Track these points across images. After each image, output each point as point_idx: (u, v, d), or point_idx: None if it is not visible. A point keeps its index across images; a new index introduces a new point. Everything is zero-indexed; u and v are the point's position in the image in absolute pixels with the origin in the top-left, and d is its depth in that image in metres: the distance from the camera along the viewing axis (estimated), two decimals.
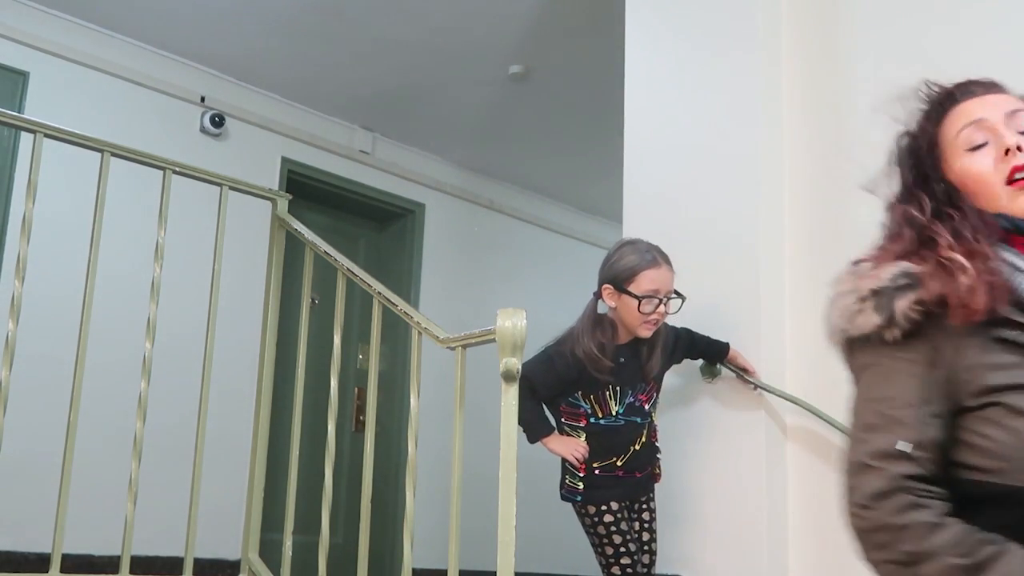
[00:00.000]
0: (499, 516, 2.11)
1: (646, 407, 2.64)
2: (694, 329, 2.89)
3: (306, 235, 3.06)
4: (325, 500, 2.76)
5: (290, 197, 3.30)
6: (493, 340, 2.20)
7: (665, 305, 2.56)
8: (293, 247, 3.25)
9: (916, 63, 2.90)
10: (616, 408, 2.59)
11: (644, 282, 2.53)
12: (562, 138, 5.45)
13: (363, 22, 4.41)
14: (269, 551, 3.14)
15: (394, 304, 2.68)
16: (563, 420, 2.64)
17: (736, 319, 2.93)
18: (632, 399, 2.61)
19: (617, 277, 2.56)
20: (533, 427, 2.59)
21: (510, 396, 2.17)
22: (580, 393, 2.58)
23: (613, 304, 2.58)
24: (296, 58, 4.75)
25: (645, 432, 2.64)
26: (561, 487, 2.64)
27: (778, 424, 2.93)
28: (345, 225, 5.53)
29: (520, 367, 2.17)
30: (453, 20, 4.37)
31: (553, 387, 2.59)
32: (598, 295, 2.62)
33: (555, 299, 6.21)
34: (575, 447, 2.55)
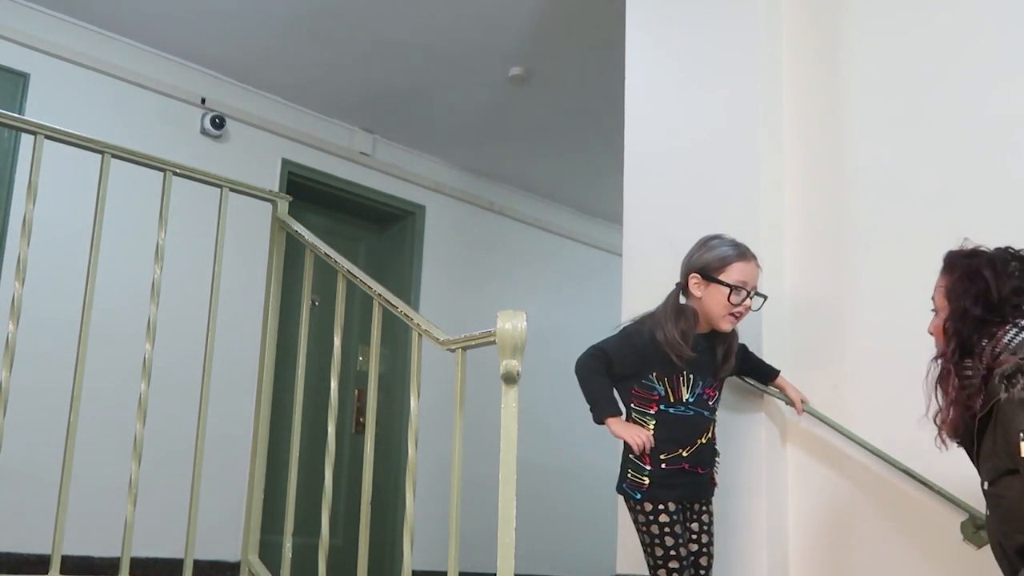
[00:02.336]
0: (499, 518, 2.11)
1: (711, 403, 2.64)
2: None
3: (306, 237, 3.06)
4: (325, 502, 2.75)
5: (290, 199, 3.30)
6: (493, 342, 2.19)
7: (750, 299, 2.59)
8: (293, 249, 3.25)
9: (915, 63, 2.91)
10: (687, 396, 2.57)
11: (734, 272, 2.56)
12: (562, 140, 5.46)
13: (363, 24, 4.42)
14: (269, 553, 3.13)
15: (394, 306, 2.68)
16: (633, 405, 2.61)
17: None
18: (701, 390, 2.60)
19: (707, 266, 2.58)
20: (600, 404, 2.54)
21: (510, 398, 2.17)
22: (655, 374, 2.56)
23: (699, 293, 2.59)
24: (296, 60, 4.75)
25: (711, 428, 2.63)
26: (622, 480, 2.59)
27: (778, 425, 2.93)
28: (345, 227, 5.54)
29: (519, 369, 2.17)
30: (453, 22, 4.37)
31: (629, 363, 2.57)
32: (682, 285, 2.63)
33: (555, 300, 6.22)
34: (639, 433, 2.51)
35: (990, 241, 2.58)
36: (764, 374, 2.86)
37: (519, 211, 6.18)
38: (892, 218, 2.84)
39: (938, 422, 2.10)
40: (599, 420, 2.53)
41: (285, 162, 5.09)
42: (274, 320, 3.20)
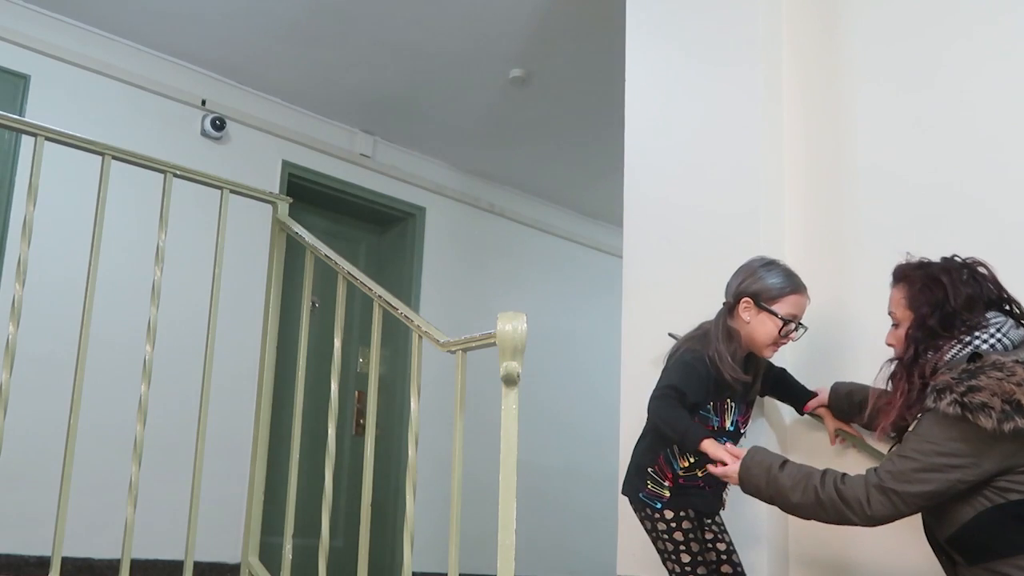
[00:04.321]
0: (499, 520, 2.11)
1: (743, 429, 2.62)
2: (682, 333, 2.90)
3: (306, 238, 3.06)
4: (325, 503, 2.75)
5: (291, 200, 3.31)
6: (493, 344, 2.19)
7: (795, 331, 2.56)
8: (293, 250, 3.25)
9: (915, 69, 2.91)
10: (728, 423, 2.56)
11: (787, 305, 2.52)
12: (562, 142, 5.46)
13: (364, 26, 4.42)
14: (269, 554, 3.13)
15: (394, 307, 2.68)
16: None
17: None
18: (736, 417, 2.58)
19: (761, 294, 2.53)
20: (691, 433, 2.43)
21: (510, 400, 2.17)
22: (712, 404, 2.54)
23: (747, 318, 2.54)
24: (297, 61, 4.75)
25: None
26: (638, 491, 2.55)
27: (778, 426, 2.93)
28: (346, 228, 5.54)
29: (519, 371, 2.16)
30: (454, 24, 4.37)
31: (698, 391, 2.51)
32: (731, 306, 2.57)
33: (556, 302, 6.22)
34: (727, 450, 2.40)
35: (992, 240, 2.58)
36: (800, 398, 2.79)
37: (520, 213, 6.19)
38: (894, 216, 2.83)
39: (880, 420, 2.25)
40: (695, 448, 2.41)
41: (285, 164, 5.09)
42: (274, 322, 3.20)
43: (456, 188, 5.86)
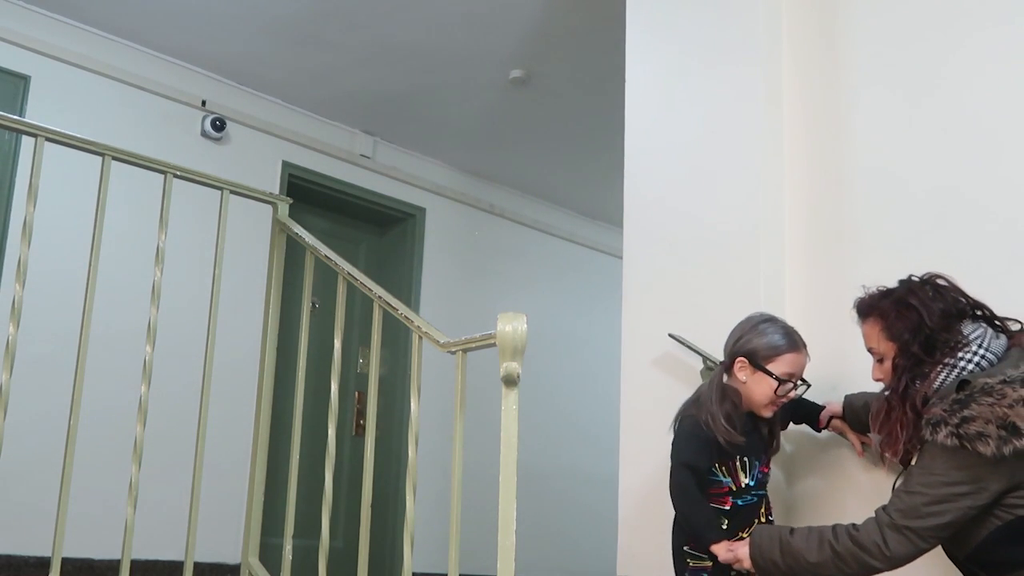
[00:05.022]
0: (499, 521, 2.11)
1: (765, 479, 2.56)
2: (685, 337, 2.90)
3: (307, 239, 3.06)
4: (325, 504, 2.76)
5: (291, 201, 3.31)
6: (494, 344, 2.20)
7: (794, 389, 2.51)
8: (294, 251, 3.25)
9: (915, 71, 2.91)
10: (746, 480, 2.48)
11: (783, 364, 2.46)
12: (563, 142, 5.46)
13: (364, 26, 4.42)
14: (269, 555, 3.14)
15: (394, 308, 2.68)
16: (709, 504, 2.47)
17: (736, 321, 2.93)
18: (758, 470, 2.51)
19: (756, 353, 2.48)
20: (707, 529, 2.38)
21: (510, 400, 2.17)
22: (717, 465, 2.46)
23: (743, 378, 2.49)
24: (297, 62, 4.75)
25: (765, 504, 2.54)
26: (683, 571, 2.48)
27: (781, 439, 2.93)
28: (346, 229, 5.54)
29: (519, 371, 2.17)
30: (454, 24, 4.37)
31: (708, 458, 2.45)
32: (726, 366, 2.53)
33: (556, 303, 6.23)
34: (739, 551, 2.32)
35: (993, 240, 2.58)
36: (812, 414, 2.74)
37: (520, 213, 6.19)
38: (894, 217, 2.83)
39: (888, 453, 2.23)
40: (705, 549, 2.39)
41: (285, 164, 5.09)
42: (274, 322, 3.20)
43: (456, 189, 5.86)
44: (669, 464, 2.48)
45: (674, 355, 3.03)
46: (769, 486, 2.60)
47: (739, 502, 2.46)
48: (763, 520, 2.52)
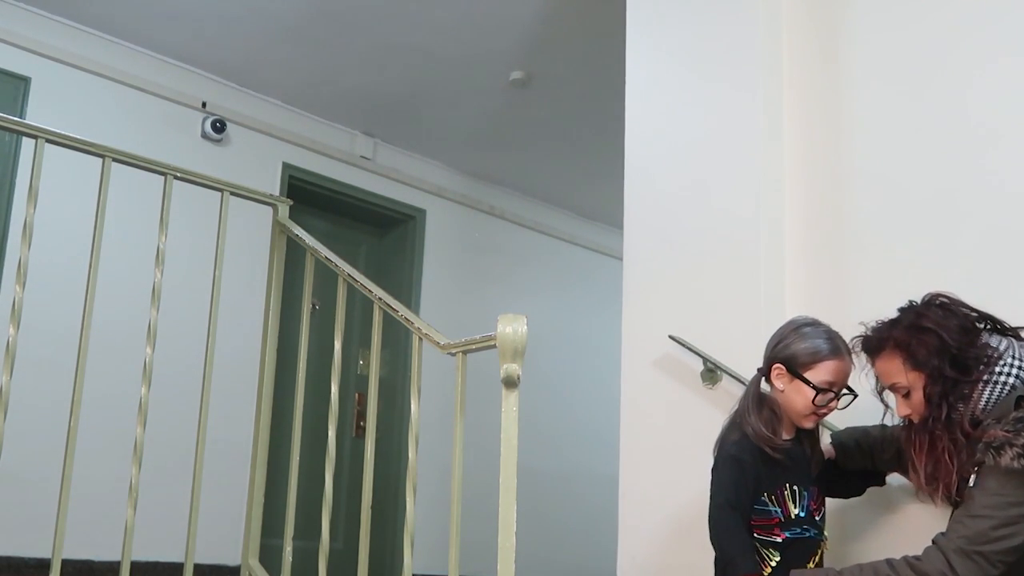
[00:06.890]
0: (499, 522, 2.11)
1: (818, 518, 2.35)
2: (686, 339, 2.90)
3: (307, 240, 3.07)
4: (325, 505, 2.76)
5: (291, 202, 3.31)
6: (494, 346, 2.20)
7: (837, 400, 2.32)
8: (294, 252, 3.25)
9: (915, 74, 2.91)
10: (796, 511, 2.29)
11: (823, 371, 2.28)
12: (563, 144, 5.46)
13: (364, 28, 4.42)
14: (269, 556, 3.13)
15: (395, 309, 2.69)
16: (756, 535, 2.28)
17: (736, 323, 2.93)
18: (808, 503, 2.32)
19: (793, 359, 2.31)
20: (738, 561, 2.19)
21: (511, 402, 2.17)
22: (765, 494, 2.29)
23: (781, 387, 2.32)
24: (297, 63, 4.75)
25: (821, 550, 2.34)
26: None
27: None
28: (346, 230, 5.54)
29: (520, 373, 2.17)
30: (454, 26, 4.38)
31: (750, 487, 2.27)
32: (764, 372, 2.37)
33: (556, 304, 6.22)
34: None
35: (993, 242, 2.58)
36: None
37: (520, 215, 6.19)
38: (894, 219, 2.83)
39: (936, 485, 2.08)
40: None
41: (286, 166, 5.09)
42: (274, 324, 3.20)
43: (456, 190, 5.86)
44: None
45: (674, 357, 3.03)
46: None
47: (789, 534, 2.28)
48: (813, 565, 2.32)
